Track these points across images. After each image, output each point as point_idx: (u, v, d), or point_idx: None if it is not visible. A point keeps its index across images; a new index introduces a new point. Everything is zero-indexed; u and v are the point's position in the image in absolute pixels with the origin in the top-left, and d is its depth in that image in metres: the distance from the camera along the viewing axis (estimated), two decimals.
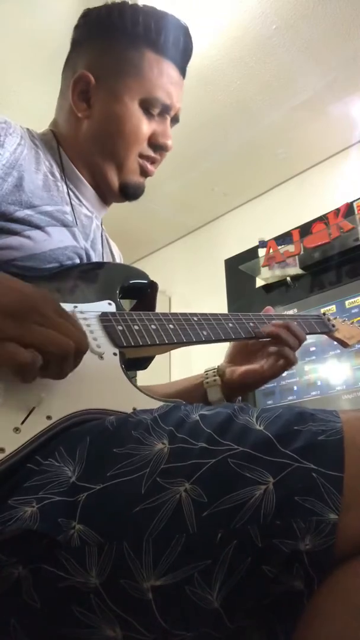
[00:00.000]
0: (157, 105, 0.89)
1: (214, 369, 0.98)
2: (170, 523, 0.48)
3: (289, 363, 0.93)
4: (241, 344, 0.98)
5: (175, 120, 0.96)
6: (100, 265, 0.87)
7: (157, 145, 0.92)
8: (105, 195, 0.95)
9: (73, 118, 0.91)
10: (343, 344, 1.09)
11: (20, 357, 0.52)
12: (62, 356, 0.55)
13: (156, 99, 0.89)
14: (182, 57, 0.93)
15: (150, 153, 0.92)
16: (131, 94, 0.87)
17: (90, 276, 0.81)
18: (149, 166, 0.93)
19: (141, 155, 0.91)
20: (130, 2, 0.90)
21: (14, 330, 0.53)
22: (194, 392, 0.96)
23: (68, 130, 0.92)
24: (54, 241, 0.78)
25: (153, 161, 0.93)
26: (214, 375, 0.96)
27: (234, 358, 0.99)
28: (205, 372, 0.98)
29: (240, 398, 0.99)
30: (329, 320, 1.09)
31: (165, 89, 0.89)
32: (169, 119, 0.93)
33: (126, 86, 0.87)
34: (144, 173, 0.93)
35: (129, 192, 0.93)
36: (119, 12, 0.89)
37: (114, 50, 0.89)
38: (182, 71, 0.95)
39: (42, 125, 0.94)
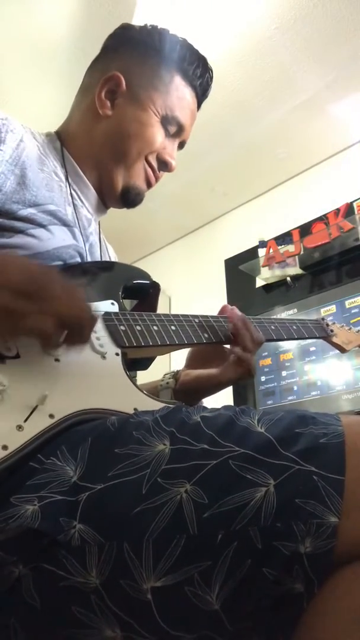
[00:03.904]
0: (174, 124, 0.94)
1: (172, 372, 0.98)
2: (171, 524, 0.48)
3: (246, 368, 0.88)
4: (198, 348, 0.97)
5: (180, 146, 1.00)
6: (103, 264, 0.88)
7: (162, 161, 0.95)
8: (106, 198, 0.96)
9: (91, 114, 0.92)
10: (341, 349, 1.11)
11: (45, 326, 0.56)
12: (79, 323, 0.60)
13: (175, 117, 0.94)
14: (202, 93, 1.00)
15: (155, 162, 0.94)
16: (155, 107, 0.92)
17: (93, 276, 0.81)
18: (152, 175, 0.95)
19: (147, 160, 0.93)
20: (169, 31, 0.96)
21: (30, 306, 0.56)
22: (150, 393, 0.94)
23: (82, 127, 0.93)
24: (57, 239, 0.78)
25: (155, 173, 0.95)
26: (169, 379, 0.96)
27: (190, 362, 0.98)
28: (164, 375, 0.98)
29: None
30: (327, 325, 1.10)
31: (184, 112, 0.95)
32: (177, 142, 0.98)
33: (152, 99, 0.92)
34: (147, 182, 0.95)
35: (130, 197, 0.94)
36: (160, 36, 0.95)
37: (148, 65, 0.93)
38: (198, 106, 1.01)
39: (41, 125, 0.94)
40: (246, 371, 0.89)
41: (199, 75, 0.97)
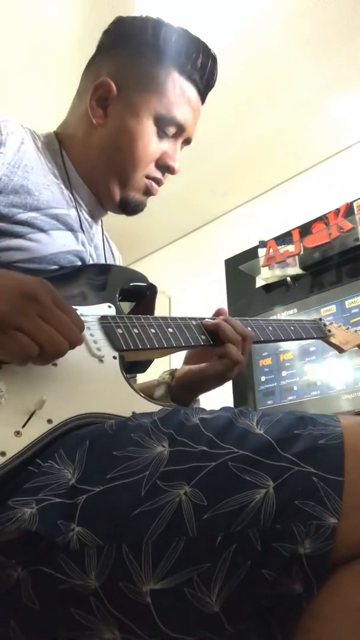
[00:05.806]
0: (172, 125, 0.89)
1: (170, 370, 0.96)
2: (170, 526, 0.48)
3: (232, 361, 0.84)
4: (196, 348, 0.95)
5: (186, 143, 0.96)
6: (99, 267, 0.87)
7: (163, 166, 0.91)
8: (105, 205, 0.94)
9: (86, 123, 0.90)
10: (338, 349, 1.11)
11: (29, 349, 0.55)
12: (56, 354, 0.57)
13: (172, 118, 0.88)
14: (206, 85, 0.94)
15: (157, 174, 0.92)
16: (149, 110, 0.87)
17: (90, 279, 0.81)
18: (154, 186, 0.92)
19: (148, 176, 0.91)
20: (165, 21, 0.90)
21: (19, 321, 0.55)
22: (147, 391, 0.91)
23: (78, 134, 0.90)
24: (56, 244, 0.77)
25: (158, 182, 0.93)
26: (166, 375, 0.95)
27: (188, 361, 0.97)
28: (162, 372, 0.97)
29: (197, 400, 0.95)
30: (325, 325, 1.10)
31: (183, 110, 0.89)
32: (180, 141, 0.93)
33: (145, 102, 0.87)
34: (148, 193, 0.93)
35: (129, 208, 0.93)
36: (153, 29, 0.88)
37: (141, 65, 0.88)
38: (203, 98, 0.95)
39: (41, 126, 0.94)
40: (232, 363, 0.84)
41: (199, 66, 0.91)
